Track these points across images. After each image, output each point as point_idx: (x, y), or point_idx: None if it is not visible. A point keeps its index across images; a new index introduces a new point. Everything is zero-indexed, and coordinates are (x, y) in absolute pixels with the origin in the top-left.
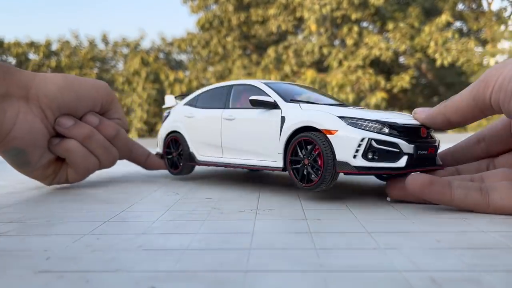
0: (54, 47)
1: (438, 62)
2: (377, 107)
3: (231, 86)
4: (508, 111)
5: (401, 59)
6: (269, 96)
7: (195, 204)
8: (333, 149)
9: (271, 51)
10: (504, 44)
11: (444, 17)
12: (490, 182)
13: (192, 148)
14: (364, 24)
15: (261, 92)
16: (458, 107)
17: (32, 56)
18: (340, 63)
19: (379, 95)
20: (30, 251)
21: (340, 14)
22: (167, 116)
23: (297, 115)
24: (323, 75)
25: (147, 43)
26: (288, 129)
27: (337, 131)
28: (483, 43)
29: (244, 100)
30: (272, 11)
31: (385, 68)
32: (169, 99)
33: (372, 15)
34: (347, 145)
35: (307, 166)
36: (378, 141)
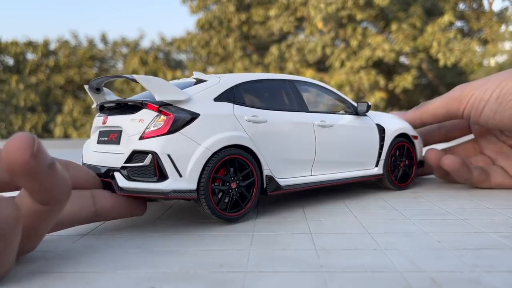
0: (53, 46)
1: (441, 63)
2: (376, 107)
3: (290, 82)
4: (476, 122)
5: (403, 59)
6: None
7: (196, 204)
8: (415, 151)
9: (274, 49)
10: (504, 44)
11: (447, 18)
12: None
13: (269, 170)
14: (367, 24)
15: (333, 94)
16: (433, 115)
17: (30, 55)
18: (342, 64)
19: (378, 95)
20: (30, 252)
21: (345, 14)
22: (191, 119)
23: (391, 123)
24: (323, 74)
25: (147, 43)
26: (391, 136)
27: (417, 136)
28: (484, 42)
29: (316, 101)
30: (273, 12)
31: (385, 68)
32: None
33: (376, 15)
34: (421, 147)
35: (402, 168)
36: None
